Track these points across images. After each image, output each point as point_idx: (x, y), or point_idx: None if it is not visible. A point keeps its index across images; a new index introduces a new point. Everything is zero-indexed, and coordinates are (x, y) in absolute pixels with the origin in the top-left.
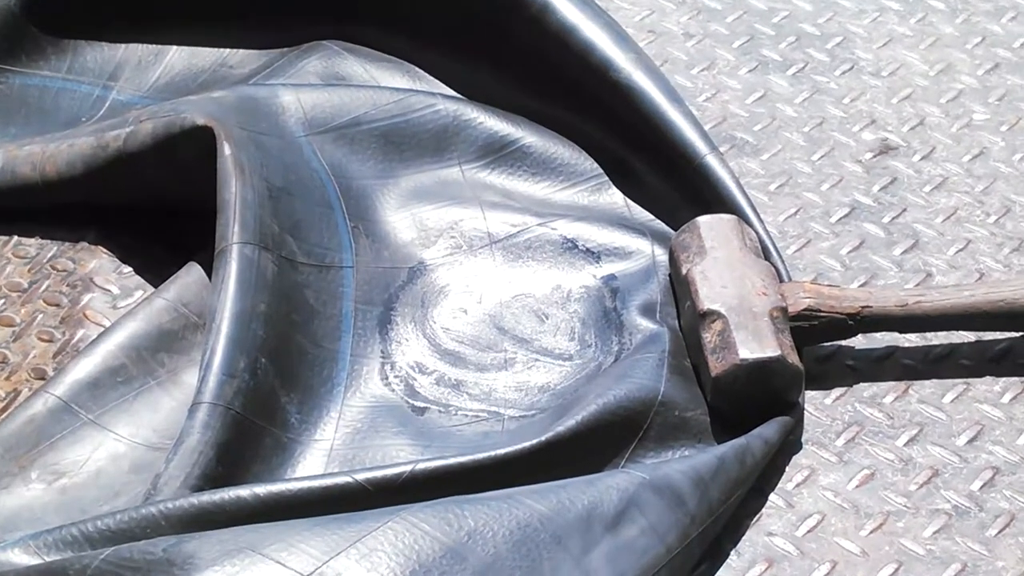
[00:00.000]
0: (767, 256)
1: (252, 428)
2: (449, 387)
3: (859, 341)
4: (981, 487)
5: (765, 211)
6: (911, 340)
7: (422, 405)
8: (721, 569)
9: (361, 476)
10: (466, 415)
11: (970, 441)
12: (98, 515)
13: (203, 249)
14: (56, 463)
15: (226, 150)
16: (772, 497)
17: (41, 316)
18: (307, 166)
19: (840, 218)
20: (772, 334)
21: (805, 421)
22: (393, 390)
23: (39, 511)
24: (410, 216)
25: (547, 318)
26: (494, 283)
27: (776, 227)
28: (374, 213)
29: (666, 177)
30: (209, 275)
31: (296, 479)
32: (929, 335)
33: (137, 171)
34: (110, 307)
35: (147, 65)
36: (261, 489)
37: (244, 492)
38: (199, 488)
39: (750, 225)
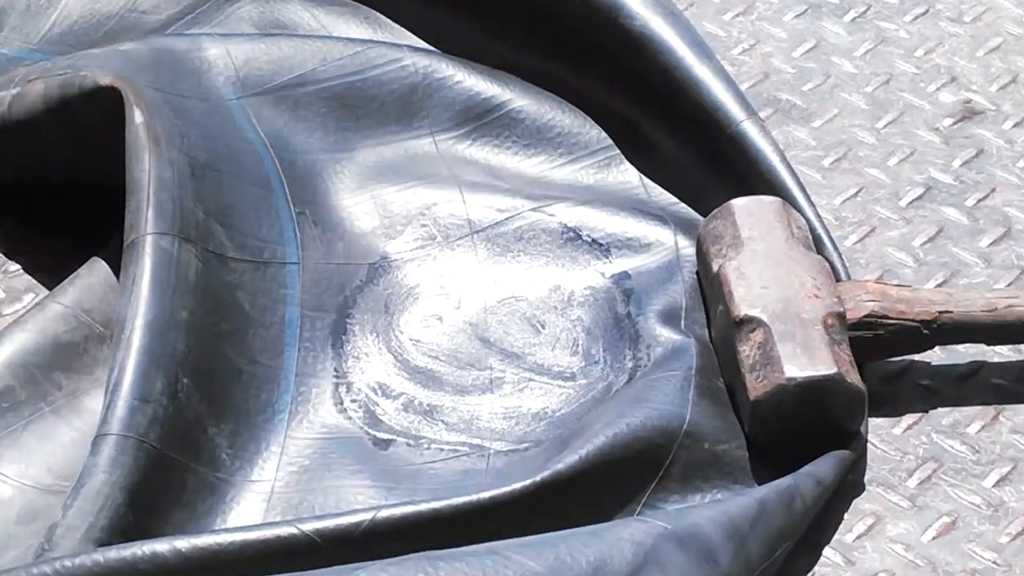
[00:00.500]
0: (819, 248)
1: (172, 466)
2: (420, 414)
3: (936, 355)
4: None
5: (817, 192)
6: (1001, 354)
7: (386, 437)
8: None
9: (309, 526)
10: (441, 449)
11: None
12: None
13: (109, 241)
14: None
15: (137, 117)
16: (827, 552)
17: None
18: (240, 137)
19: (912, 200)
20: (826, 346)
21: (869, 456)
22: (350, 418)
23: None
24: (370, 199)
25: (543, 327)
26: (476, 283)
27: (831, 212)
28: (325, 196)
29: (692, 149)
30: (117, 274)
31: (228, 530)
32: None
33: (26, 143)
34: None
35: (38, 11)
36: (183, 543)
37: (162, 547)
38: (105, 542)
39: (798, 209)
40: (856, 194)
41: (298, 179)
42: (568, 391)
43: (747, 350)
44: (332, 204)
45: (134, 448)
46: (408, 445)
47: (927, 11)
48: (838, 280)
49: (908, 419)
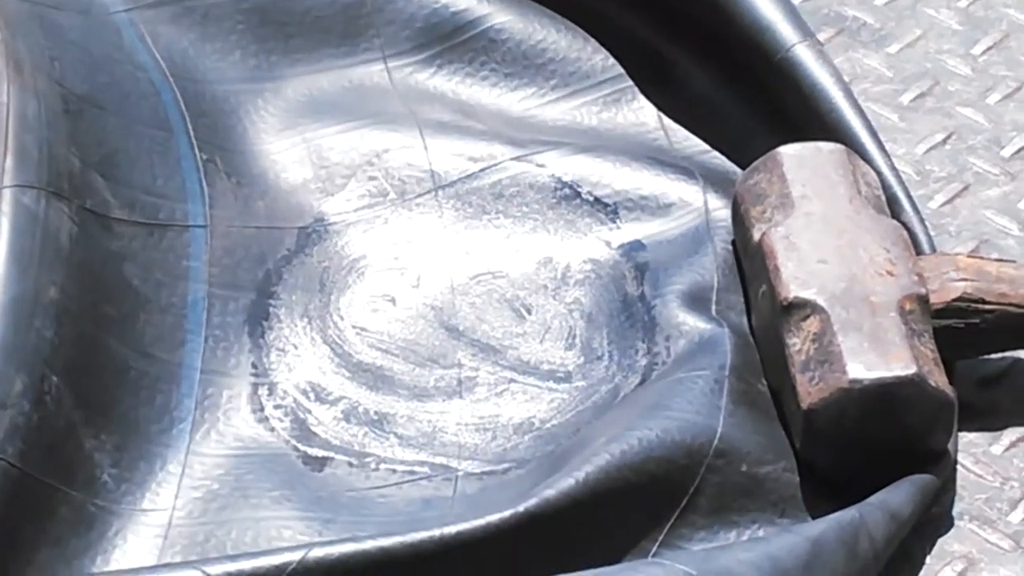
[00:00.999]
0: (894, 211)
1: (36, 490)
2: (366, 424)
3: None
4: None
5: (894, 137)
6: None
7: (320, 454)
8: None
9: (217, 569)
10: (394, 471)
11: None
12: None
13: None
14: None
15: None
16: None
17: None
18: (129, 61)
19: (1018, 150)
20: (903, 339)
21: (959, 482)
22: (272, 428)
23: None
24: (302, 143)
25: (529, 312)
26: (441, 254)
27: (912, 164)
28: (241, 139)
29: (727, 81)
30: None
31: (111, 574)
32: None
33: None
34: None
35: None
36: None
37: None
38: None
39: (867, 159)
40: (944, 141)
41: (206, 116)
42: (561, 396)
43: (798, 343)
44: (251, 150)
45: None
46: (350, 465)
47: None
48: (919, 253)
49: (1010, 435)
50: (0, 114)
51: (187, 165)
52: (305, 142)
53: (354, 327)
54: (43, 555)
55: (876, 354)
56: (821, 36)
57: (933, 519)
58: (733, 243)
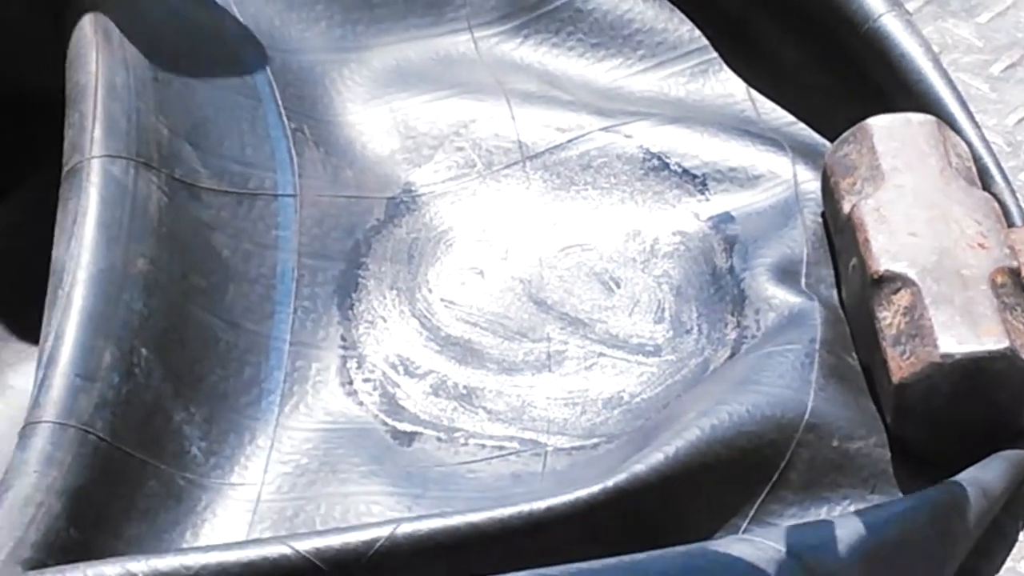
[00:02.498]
0: (986, 183)
1: (126, 464)
2: (455, 399)
3: None
4: None
5: (984, 108)
6: None
7: (409, 429)
8: None
9: (306, 545)
10: (483, 445)
11: None
12: None
13: (39, 167)
14: None
15: (80, 5)
16: None
17: None
18: (216, 30)
19: None
20: (995, 313)
21: None
22: (361, 403)
23: None
24: (388, 113)
25: (618, 286)
26: (529, 227)
27: (1003, 135)
28: (329, 108)
29: (815, 52)
30: (54, 211)
31: (200, 549)
32: None
33: None
34: None
35: None
36: (141, 565)
37: (113, 570)
38: (39, 562)
39: (957, 131)
40: None
41: (294, 86)
42: (651, 369)
43: (889, 317)
44: (338, 120)
45: (75, 440)
46: (439, 440)
47: None
48: (1010, 225)
49: None
50: (89, 84)
51: (276, 134)
52: (392, 112)
53: (442, 300)
54: (132, 529)
55: (968, 328)
56: (910, 6)
57: None
58: (823, 215)
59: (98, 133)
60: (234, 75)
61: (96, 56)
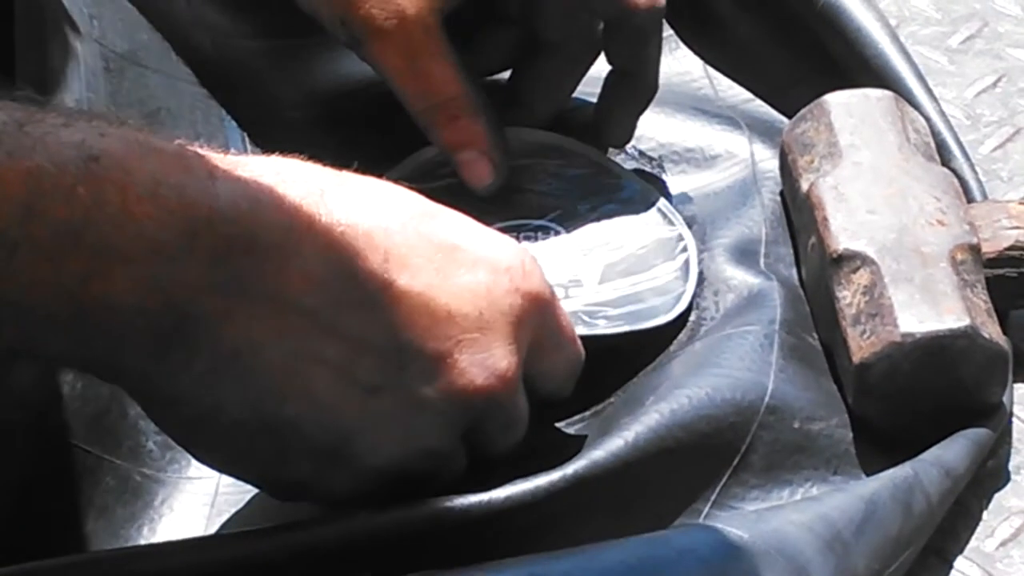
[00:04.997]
0: (945, 158)
1: (81, 460)
2: None
3: None
4: None
5: (943, 82)
6: None
7: None
8: None
9: (269, 540)
10: None
11: None
12: None
13: None
14: None
15: None
16: (961, 564)
17: None
18: (170, 18)
19: None
20: (955, 290)
21: (1015, 435)
22: None
23: None
24: None
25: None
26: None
27: (962, 107)
28: None
29: (772, 28)
30: None
31: (156, 547)
32: None
33: None
34: None
35: None
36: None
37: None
38: None
39: (915, 106)
40: (995, 84)
41: None
42: (608, 353)
43: (849, 296)
44: None
45: (29, 435)
46: None
47: None
48: (970, 201)
49: None
50: (39, 74)
51: (230, 124)
52: None
53: None
54: (89, 526)
55: (928, 306)
56: None
57: (989, 474)
58: (781, 194)
59: None
60: (187, 65)
61: (46, 46)
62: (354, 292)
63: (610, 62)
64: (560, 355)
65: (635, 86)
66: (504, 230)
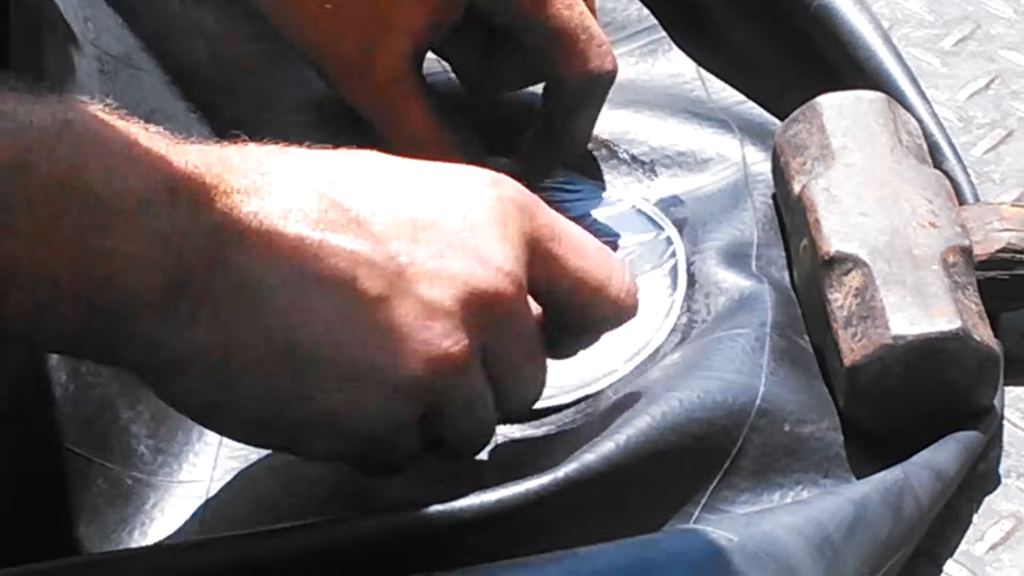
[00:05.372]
0: (937, 160)
1: (73, 463)
2: None
3: None
4: None
5: (935, 84)
6: None
7: None
8: None
9: (256, 543)
10: None
11: None
12: None
13: None
14: None
15: None
16: (951, 567)
17: None
18: (163, 20)
19: None
20: (947, 293)
21: (1006, 439)
22: None
23: None
24: None
25: None
26: None
27: (954, 110)
28: None
29: (765, 29)
30: None
31: (146, 551)
32: None
33: None
34: None
35: None
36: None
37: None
38: None
39: (907, 107)
40: (987, 86)
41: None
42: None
43: (840, 299)
44: None
45: (20, 438)
46: None
47: None
48: (962, 203)
49: None
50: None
51: (225, 127)
52: None
53: None
54: (80, 529)
55: (919, 309)
56: None
57: (980, 477)
58: (773, 196)
59: None
60: (182, 68)
61: (42, 49)
62: (335, 213)
63: (539, 113)
64: (565, 249)
65: (556, 144)
66: None
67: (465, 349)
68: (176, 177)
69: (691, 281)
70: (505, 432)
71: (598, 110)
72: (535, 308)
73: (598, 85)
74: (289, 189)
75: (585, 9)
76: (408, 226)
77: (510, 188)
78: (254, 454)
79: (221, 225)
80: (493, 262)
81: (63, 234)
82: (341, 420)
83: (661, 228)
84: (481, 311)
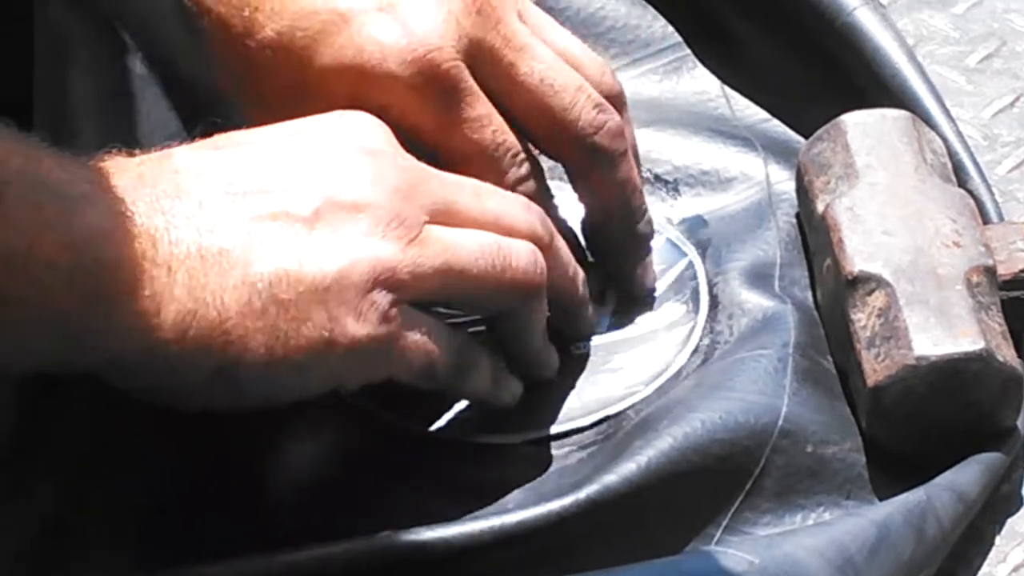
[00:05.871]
0: (961, 179)
1: None
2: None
3: None
4: None
5: (960, 102)
6: None
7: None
8: None
9: (279, 559)
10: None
11: None
12: None
13: None
14: None
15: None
16: None
17: None
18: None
19: None
20: (970, 313)
21: None
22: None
23: None
24: None
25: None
26: None
27: (979, 128)
28: None
29: (789, 47)
30: None
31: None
32: None
33: None
34: None
35: None
36: None
37: None
38: None
39: (932, 126)
40: (1012, 103)
41: None
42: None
43: (864, 319)
44: None
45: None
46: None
47: None
48: (986, 222)
49: None
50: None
51: None
52: None
53: None
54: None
55: (943, 329)
56: None
57: (1002, 498)
58: (797, 216)
59: None
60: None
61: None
62: (230, 153)
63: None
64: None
65: (618, 234)
66: None
67: (413, 226)
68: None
69: (714, 303)
70: (527, 454)
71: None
72: None
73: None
74: (189, 165)
75: (500, 127)
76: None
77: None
78: None
79: (148, 203)
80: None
81: (11, 242)
82: (333, 337)
83: (683, 253)
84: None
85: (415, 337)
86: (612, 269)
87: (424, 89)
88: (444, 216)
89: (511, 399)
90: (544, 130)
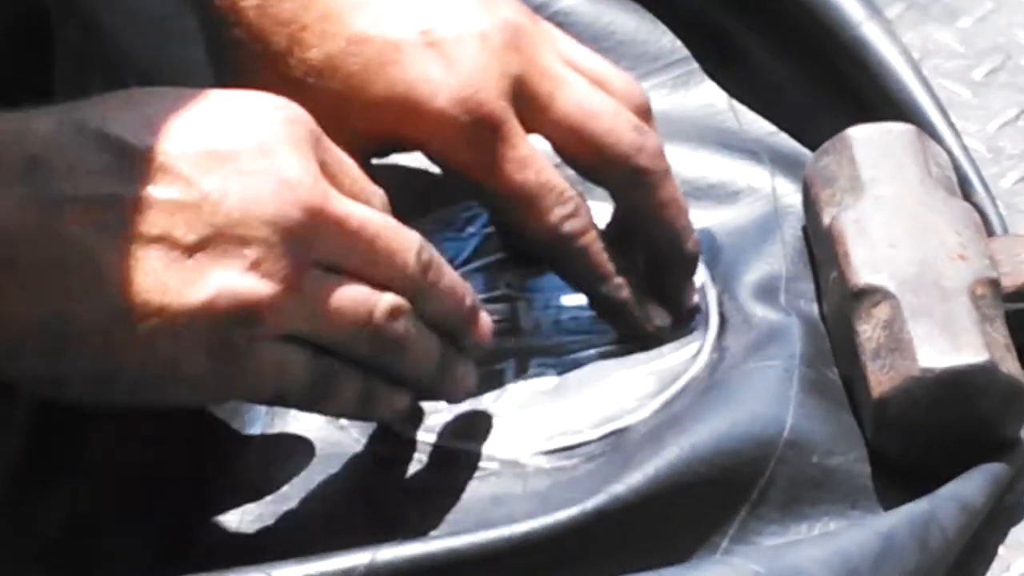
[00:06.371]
0: (966, 192)
1: None
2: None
3: None
4: None
5: (965, 115)
6: None
7: (388, 453)
8: None
9: (283, 572)
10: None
11: None
12: None
13: None
14: None
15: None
16: None
17: None
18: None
19: None
20: (975, 325)
21: None
22: (342, 427)
23: None
24: None
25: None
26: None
27: (984, 141)
28: None
29: (796, 61)
30: None
31: None
32: None
33: None
34: None
35: None
36: None
37: None
38: None
39: (937, 139)
40: (1017, 117)
41: None
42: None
43: (869, 331)
44: None
45: None
46: (418, 462)
47: None
48: (991, 235)
49: None
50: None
51: None
52: None
53: None
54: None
55: (947, 341)
56: (892, 11)
57: (1006, 509)
58: (803, 229)
59: None
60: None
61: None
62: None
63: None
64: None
65: (666, 256)
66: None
67: (295, 271)
68: None
69: (723, 318)
70: (536, 464)
71: (588, 259)
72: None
73: (568, 238)
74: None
75: (544, 166)
76: (210, 159)
77: (296, 109)
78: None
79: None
80: (294, 180)
81: None
82: (273, 300)
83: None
84: (301, 231)
85: (263, 370)
86: (658, 290)
87: (471, 128)
88: (329, 264)
89: (394, 415)
90: (585, 156)
